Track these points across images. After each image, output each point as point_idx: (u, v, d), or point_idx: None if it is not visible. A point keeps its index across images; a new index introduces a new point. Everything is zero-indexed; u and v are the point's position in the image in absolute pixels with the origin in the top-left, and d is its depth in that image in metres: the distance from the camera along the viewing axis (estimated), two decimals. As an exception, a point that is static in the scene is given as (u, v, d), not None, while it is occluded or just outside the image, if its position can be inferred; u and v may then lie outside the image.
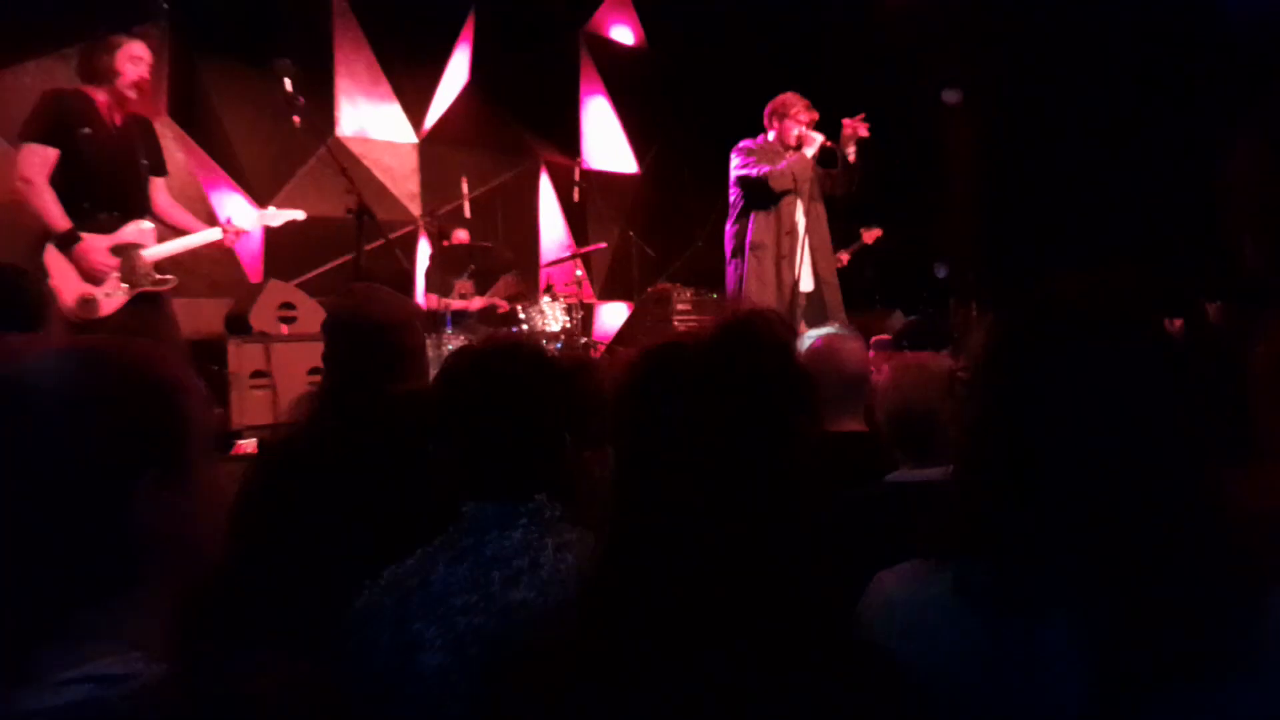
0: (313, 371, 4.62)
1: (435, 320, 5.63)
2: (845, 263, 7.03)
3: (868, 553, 1.17)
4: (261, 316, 4.90)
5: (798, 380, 0.99)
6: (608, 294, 8.04)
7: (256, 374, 4.64)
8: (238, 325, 4.84)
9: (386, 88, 7.06)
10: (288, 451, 1.96)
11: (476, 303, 6.21)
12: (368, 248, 4.42)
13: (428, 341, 5.48)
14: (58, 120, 3.68)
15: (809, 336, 3.67)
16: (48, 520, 0.82)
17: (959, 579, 0.98)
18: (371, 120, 6.99)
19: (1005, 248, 7.01)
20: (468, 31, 7.36)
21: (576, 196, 6.95)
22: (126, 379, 0.88)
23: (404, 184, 7.11)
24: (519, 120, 7.75)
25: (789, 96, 5.07)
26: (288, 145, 4.93)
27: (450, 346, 5.36)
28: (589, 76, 8.28)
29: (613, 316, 8.17)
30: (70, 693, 0.78)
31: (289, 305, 5.04)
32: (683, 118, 8.34)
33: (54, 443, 0.83)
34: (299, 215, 4.43)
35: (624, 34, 8.51)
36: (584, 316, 6.43)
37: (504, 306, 6.28)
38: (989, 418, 1.01)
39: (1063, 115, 6.87)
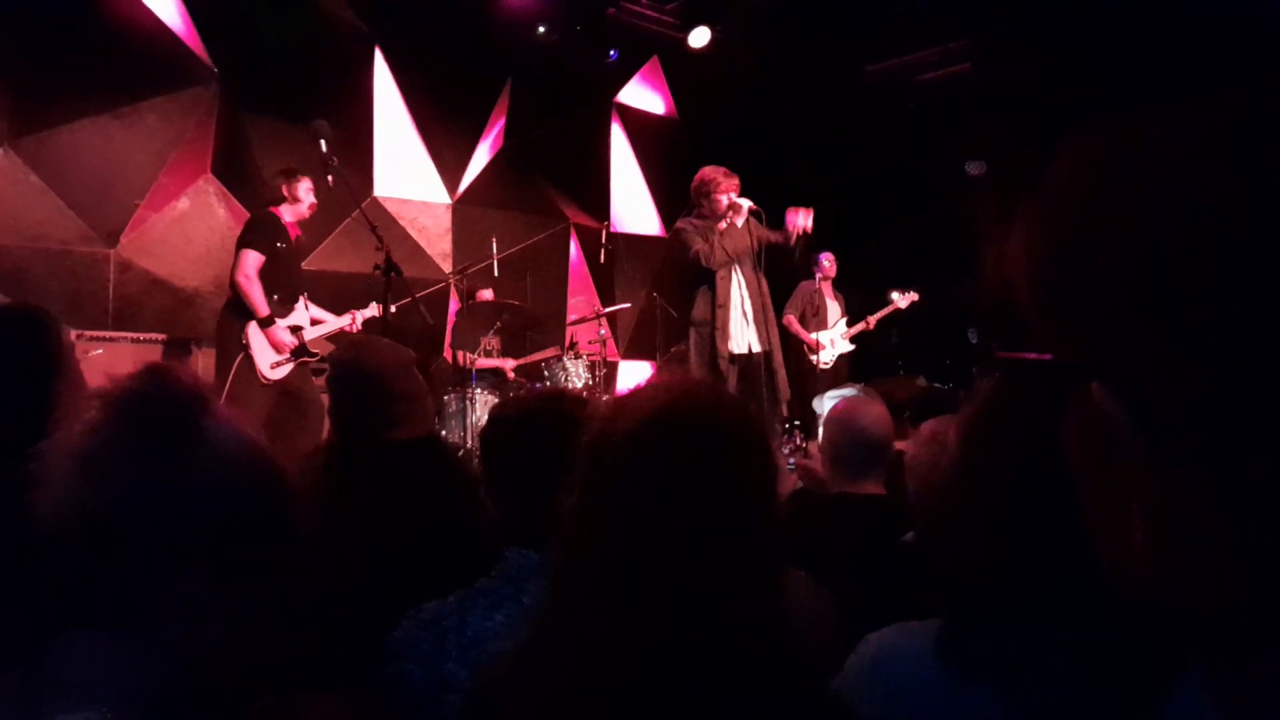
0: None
1: (461, 375, 5.71)
2: (871, 326, 7.06)
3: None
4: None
5: (741, 449, 0.95)
6: (631, 353, 8.13)
7: (287, 424, 4.77)
8: (271, 376, 4.95)
9: (423, 151, 7.28)
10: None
11: (508, 364, 6.24)
12: (397, 305, 4.55)
13: (453, 394, 5.59)
14: (265, 235, 4.76)
15: (828, 399, 3.69)
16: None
17: (937, 642, 1.00)
18: (408, 181, 7.20)
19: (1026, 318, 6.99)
20: (503, 98, 7.60)
21: (603, 258, 7.08)
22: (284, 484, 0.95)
23: (437, 243, 7.28)
24: (550, 184, 7.94)
25: (707, 171, 5.09)
26: (327, 203, 5.13)
27: (476, 400, 5.43)
28: (619, 143, 8.49)
29: (635, 375, 8.24)
30: None
31: (320, 359, 5.14)
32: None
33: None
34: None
35: (654, 103, 8.73)
36: (606, 374, 6.50)
37: (511, 375, 6.30)
38: (971, 488, 1.03)
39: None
